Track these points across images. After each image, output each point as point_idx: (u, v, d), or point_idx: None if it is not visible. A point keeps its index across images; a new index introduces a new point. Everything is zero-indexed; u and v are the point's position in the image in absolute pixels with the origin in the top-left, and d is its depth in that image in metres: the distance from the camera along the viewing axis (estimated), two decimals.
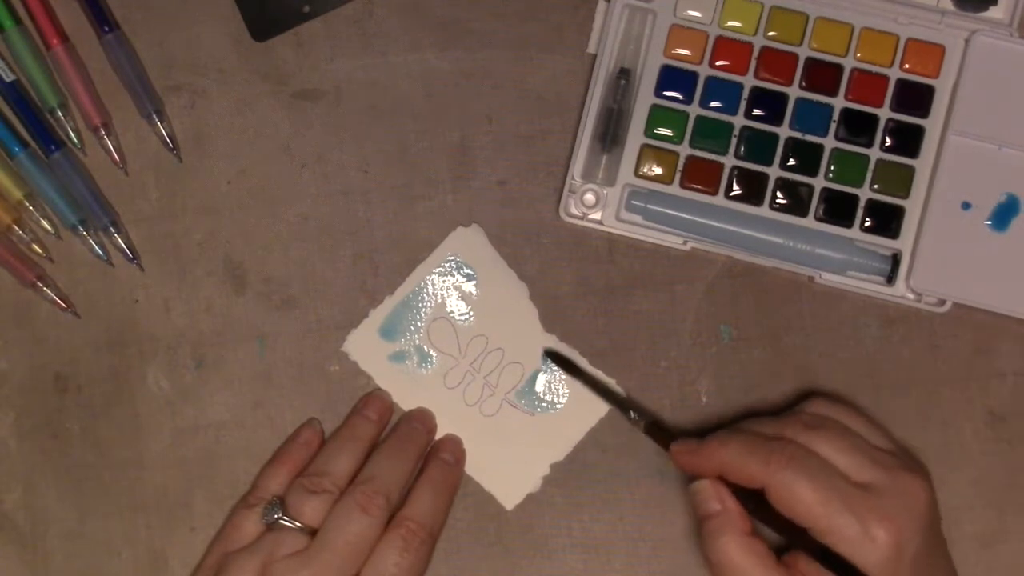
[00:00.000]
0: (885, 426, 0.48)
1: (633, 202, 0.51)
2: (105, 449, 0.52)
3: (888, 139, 0.52)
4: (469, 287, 0.53)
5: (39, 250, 0.52)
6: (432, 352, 0.52)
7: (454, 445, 0.51)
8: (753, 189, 0.52)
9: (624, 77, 0.52)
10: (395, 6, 0.54)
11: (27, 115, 0.52)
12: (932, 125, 0.52)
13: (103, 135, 0.52)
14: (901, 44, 0.52)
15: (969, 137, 0.51)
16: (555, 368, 0.52)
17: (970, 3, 0.51)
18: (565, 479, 0.52)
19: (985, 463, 0.52)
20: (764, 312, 0.52)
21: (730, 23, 0.52)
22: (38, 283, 0.52)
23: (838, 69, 0.52)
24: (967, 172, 0.51)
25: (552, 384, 0.52)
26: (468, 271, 0.53)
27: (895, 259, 0.51)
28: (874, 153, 0.52)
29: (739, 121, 0.52)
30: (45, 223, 0.52)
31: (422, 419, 0.52)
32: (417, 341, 0.52)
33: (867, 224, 0.51)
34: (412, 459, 0.50)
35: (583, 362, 0.52)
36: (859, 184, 0.52)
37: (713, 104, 0.52)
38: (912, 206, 0.52)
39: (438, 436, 0.52)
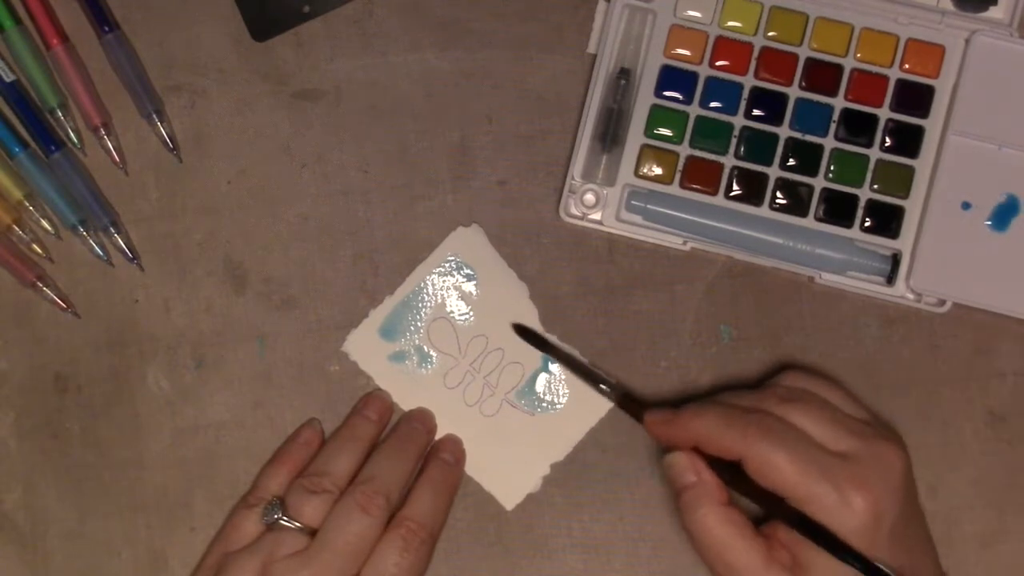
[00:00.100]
0: (849, 383, 0.49)
1: (633, 202, 0.51)
2: (105, 449, 0.52)
3: (888, 139, 0.52)
4: (469, 287, 0.53)
5: (39, 250, 0.52)
6: (432, 352, 0.52)
7: (454, 445, 0.52)
8: (753, 189, 0.52)
9: (624, 77, 0.52)
10: (395, 6, 0.54)
11: (27, 115, 0.52)
12: (932, 125, 0.52)
13: (103, 135, 0.52)
14: (901, 44, 0.52)
15: (969, 137, 0.51)
16: (554, 370, 0.52)
17: (970, 3, 0.51)
18: (565, 479, 0.52)
19: (985, 463, 0.52)
20: (764, 312, 0.52)
21: (730, 23, 0.52)
22: (38, 283, 0.52)
23: (838, 69, 0.52)
24: (967, 172, 0.51)
25: (552, 384, 0.52)
26: (468, 271, 0.53)
27: (895, 259, 0.51)
28: (874, 153, 0.52)
29: (739, 121, 0.52)
30: (45, 223, 0.52)
31: (422, 419, 0.52)
32: (417, 341, 0.52)
33: (867, 224, 0.51)
34: (412, 459, 0.50)
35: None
36: (859, 184, 0.52)
37: (713, 104, 0.52)
38: (912, 206, 0.52)
39: (438, 436, 0.52)
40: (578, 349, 0.52)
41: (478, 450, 0.52)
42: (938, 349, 0.52)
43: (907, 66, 0.52)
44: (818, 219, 0.52)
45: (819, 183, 0.52)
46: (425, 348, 0.52)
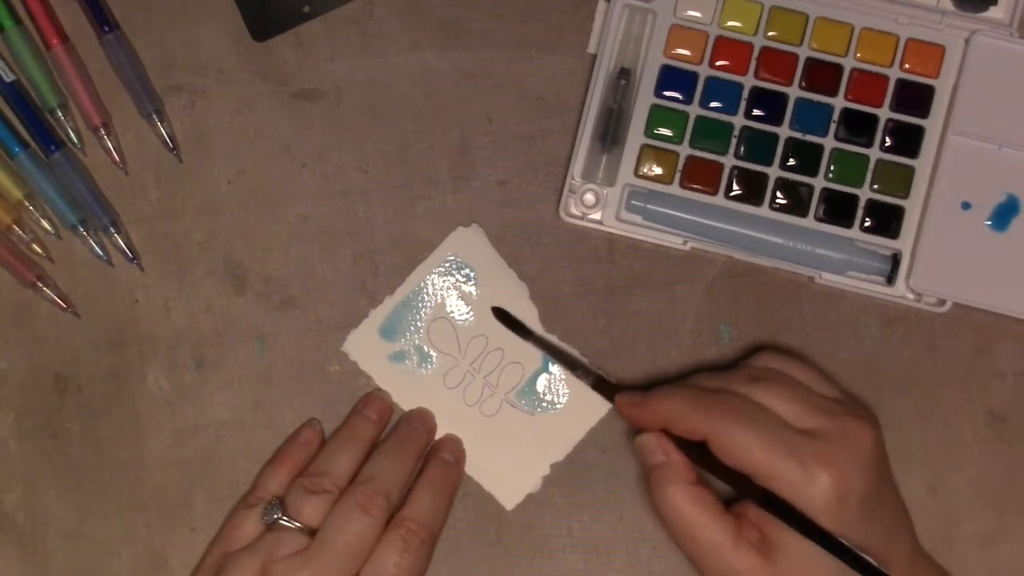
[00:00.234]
0: (833, 376, 0.49)
1: (633, 202, 0.51)
2: (105, 449, 0.52)
3: (888, 139, 0.52)
4: (469, 287, 0.53)
5: (39, 250, 0.52)
6: (432, 352, 0.52)
7: (454, 445, 0.51)
8: (753, 189, 0.52)
9: (624, 77, 0.52)
10: (395, 6, 0.54)
11: (27, 115, 0.52)
12: (932, 125, 0.52)
13: (103, 135, 0.52)
14: (901, 44, 0.52)
15: (969, 137, 0.51)
16: (554, 370, 0.52)
17: (970, 3, 0.51)
18: (565, 479, 0.52)
19: (985, 463, 0.52)
20: (764, 312, 0.52)
21: (730, 23, 0.52)
22: (38, 283, 0.52)
23: (838, 69, 0.52)
24: (967, 172, 0.51)
25: (552, 384, 0.52)
26: (468, 271, 0.53)
27: (895, 259, 0.51)
28: (874, 153, 0.52)
29: (739, 121, 0.52)
30: (45, 223, 0.52)
31: (422, 419, 0.52)
32: (417, 341, 0.52)
33: (867, 224, 0.51)
34: (412, 459, 0.50)
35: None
36: (859, 184, 0.52)
37: (713, 104, 0.52)
38: (912, 206, 0.52)
39: (438, 436, 0.52)
40: (578, 349, 0.52)
41: (478, 450, 0.52)
42: (938, 349, 0.52)
43: (907, 66, 0.52)
44: (818, 219, 0.52)
45: (819, 183, 0.52)
46: (425, 348, 0.52)
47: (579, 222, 0.52)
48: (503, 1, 0.53)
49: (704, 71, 0.52)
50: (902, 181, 0.52)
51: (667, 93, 0.52)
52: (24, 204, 0.52)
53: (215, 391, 0.52)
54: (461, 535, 0.52)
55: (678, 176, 0.52)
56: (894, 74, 0.52)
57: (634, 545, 0.52)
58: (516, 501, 0.52)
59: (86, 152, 0.53)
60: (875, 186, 0.52)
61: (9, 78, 0.52)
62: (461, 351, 0.52)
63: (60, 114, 0.52)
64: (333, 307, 0.53)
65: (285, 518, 0.46)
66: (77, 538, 0.52)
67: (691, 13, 0.52)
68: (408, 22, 0.54)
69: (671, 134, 0.52)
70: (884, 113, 0.52)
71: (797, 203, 0.52)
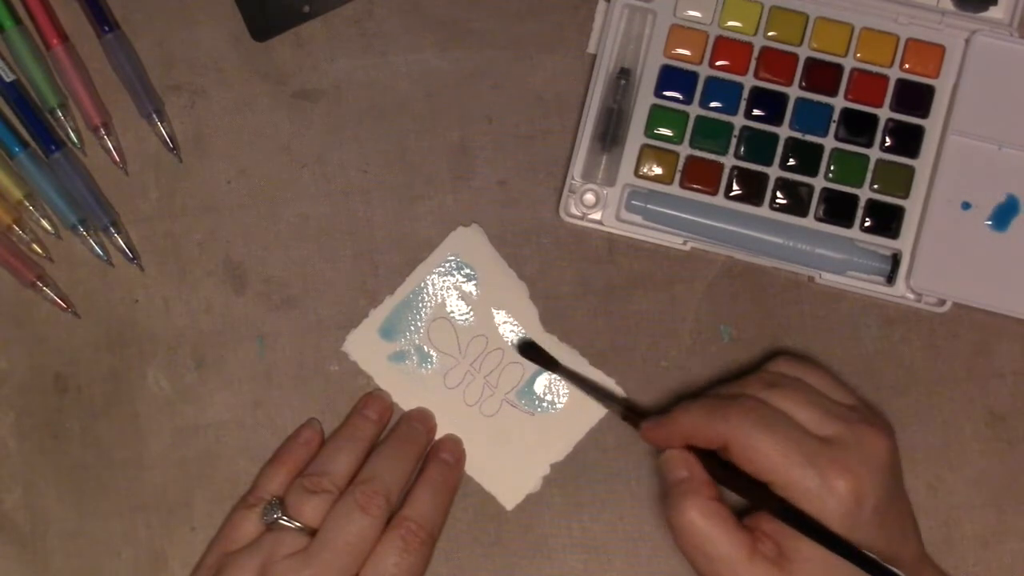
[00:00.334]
0: (848, 383, 0.49)
1: (633, 202, 0.51)
2: (105, 449, 0.52)
3: (888, 139, 0.52)
4: (469, 287, 0.53)
5: (39, 250, 0.52)
6: (432, 352, 0.52)
7: (454, 445, 0.51)
8: (753, 189, 0.52)
9: (624, 77, 0.52)
10: (395, 6, 0.54)
11: (27, 115, 0.52)
12: (932, 125, 0.52)
13: (103, 135, 0.52)
14: (901, 44, 0.52)
15: (969, 137, 0.51)
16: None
17: (970, 3, 0.51)
18: (565, 479, 0.52)
19: (985, 463, 0.52)
20: (764, 312, 0.52)
21: (730, 23, 0.52)
22: (38, 283, 0.52)
23: (838, 69, 0.52)
24: (967, 172, 0.51)
25: (552, 384, 0.52)
26: (468, 271, 0.53)
27: (895, 259, 0.51)
28: (874, 153, 0.52)
29: (739, 121, 0.52)
30: (45, 223, 0.52)
31: (422, 419, 0.52)
32: (417, 341, 0.52)
33: (867, 224, 0.51)
34: (412, 459, 0.50)
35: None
36: (859, 184, 0.52)
37: (713, 104, 0.52)
38: (912, 206, 0.52)
39: (438, 436, 0.52)
40: (578, 349, 0.52)
41: (478, 450, 0.52)
42: (938, 349, 0.52)
43: (907, 66, 0.52)
44: (818, 219, 0.52)
45: (819, 183, 0.52)
46: (425, 348, 0.52)
47: (579, 222, 0.52)
48: (503, 1, 0.53)
49: (704, 71, 0.52)
50: (902, 181, 0.52)
51: (667, 93, 0.52)
52: (24, 204, 0.52)
53: (215, 391, 0.52)
54: (461, 535, 0.52)
55: (678, 176, 0.52)
56: (894, 74, 0.52)
57: (634, 545, 0.52)
58: (516, 501, 0.52)
59: (86, 152, 0.53)
60: (875, 186, 0.52)
61: (9, 78, 0.52)
62: (461, 351, 0.52)
63: (60, 114, 0.52)
64: (333, 307, 0.53)
65: (285, 518, 0.46)
66: (77, 538, 0.52)
67: (691, 13, 0.52)
68: (408, 22, 0.54)
69: (671, 134, 0.52)
70: (884, 113, 0.52)
71: (797, 203, 0.52)
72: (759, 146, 0.52)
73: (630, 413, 0.49)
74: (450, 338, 0.52)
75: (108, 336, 0.53)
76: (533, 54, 0.53)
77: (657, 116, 0.52)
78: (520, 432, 0.52)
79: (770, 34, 0.52)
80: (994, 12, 0.51)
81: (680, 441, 0.46)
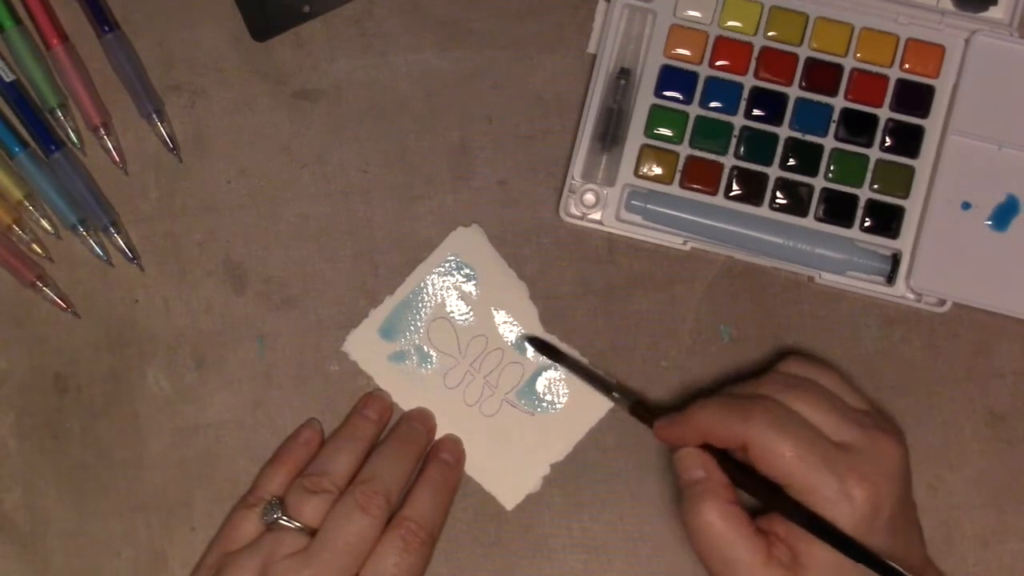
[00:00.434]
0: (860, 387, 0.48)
1: (633, 202, 0.51)
2: (105, 449, 0.52)
3: (888, 139, 0.52)
4: (469, 287, 0.53)
5: (39, 250, 0.52)
6: (432, 352, 0.52)
7: (454, 445, 0.51)
8: (753, 189, 0.52)
9: (624, 77, 0.52)
10: (395, 6, 0.54)
11: (27, 115, 0.52)
12: (932, 125, 0.52)
13: (103, 135, 0.52)
14: (901, 44, 0.52)
15: (969, 137, 0.51)
16: (555, 367, 0.52)
17: (970, 3, 0.51)
18: (565, 479, 0.52)
19: (985, 463, 0.52)
20: (764, 312, 0.52)
21: (730, 23, 0.52)
22: (38, 283, 0.52)
23: (838, 69, 0.52)
24: (967, 172, 0.51)
25: (552, 384, 0.52)
26: (468, 271, 0.53)
27: (895, 259, 0.51)
28: (874, 153, 0.52)
29: (739, 121, 0.52)
30: (45, 223, 0.52)
31: (422, 419, 0.52)
32: (417, 341, 0.52)
33: (867, 224, 0.51)
34: (412, 459, 0.50)
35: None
36: (859, 184, 0.52)
37: (713, 104, 0.52)
38: (912, 206, 0.52)
39: (438, 436, 0.52)
40: (578, 349, 0.52)
41: (478, 450, 0.52)
42: (938, 349, 0.52)
43: (907, 66, 0.52)
44: (818, 219, 0.52)
45: (819, 183, 0.52)
46: (425, 348, 0.52)
47: (579, 222, 0.52)
48: (503, 1, 0.53)
49: (704, 71, 0.52)
50: (902, 181, 0.52)
51: (667, 93, 0.52)
52: (24, 204, 0.52)
53: (215, 391, 0.52)
54: (461, 535, 0.52)
55: (678, 176, 0.52)
56: (894, 74, 0.52)
57: (634, 545, 0.52)
58: (516, 501, 0.52)
59: (86, 152, 0.53)
60: (875, 186, 0.52)
61: (9, 78, 0.52)
62: (461, 351, 0.52)
63: (60, 114, 0.52)
64: (333, 307, 0.53)
65: (285, 518, 0.46)
66: (77, 538, 0.52)
67: (691, 13, 0.52)
68: (408, 22, 0.54)
69: (671, 134, 0.52)
70: (884, 113, 0.52)
71: (797, 203, 0.52)
72: (759, 146, 0.52)
73: (638, 407, 0.48)
74: (450, 338, 0.52)
75: (108, 336, 0.53)
76: (533, 54, 0.53)
77: (657, 116, 0.52)
78: (520, 432, 0.52)
79: (770, 34, 0.52)
80: (994, 12, 0.51)
81: (696, 439, 0.45)
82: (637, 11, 0.52)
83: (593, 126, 0.52)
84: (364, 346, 0.52)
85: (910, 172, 0.52)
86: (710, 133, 0.52)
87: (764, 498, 0.44)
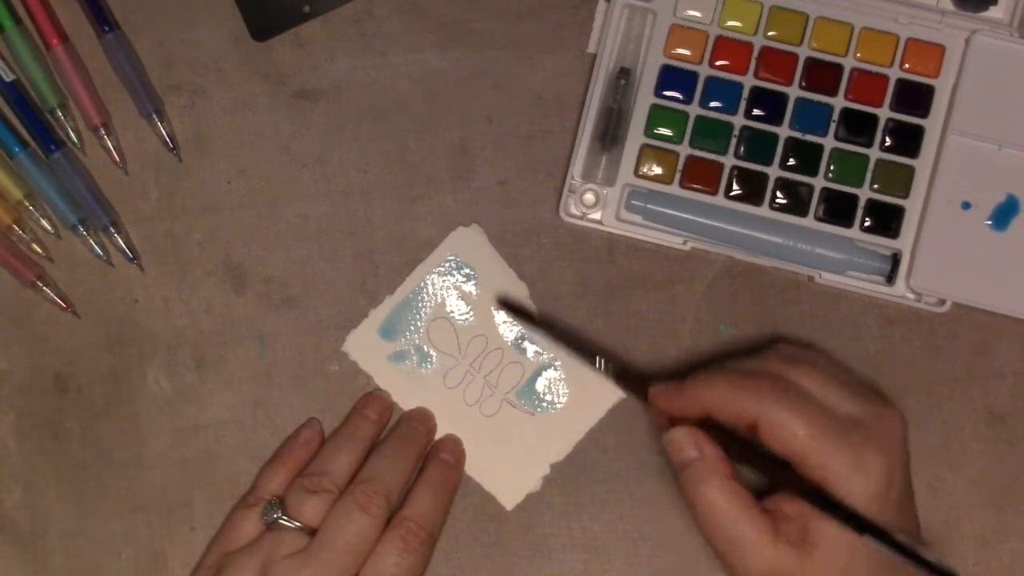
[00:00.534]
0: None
1: (633, 202, 0.51)
2: (105, 449, 0.52)
3: (888, 139, 0.52)
4: (469, 287, 0.53)
5: (39, 250, 0.52)
6: (432, 352, 0.52)
7: (454, 445, 0.51)
8: (753, 189, 0.52)
9: (624, 77, 0.52)
10: (395, 6, 0.54)
11: (27, 115, 0.52)
12: (932, 125, 0.52)
13: (103, 135, 0.52)
14: (901, 44, 0.52)
15: (969, 137, 0.51)
16: (555, 367, 0.52)
17: (970, 3, 0.51)
18: (565, 479, 0.52)
19: (985, 463, 0.52)
20: (764, 312, 0.52)
21: (730, 23, 0.52)
22: (38, 283, 0.52)
23: (838, 69, 0.52)
24: (967, 172, 0.51)
25: (552, 384, 0.52)
26: (468, 271, 0.53)
27: (895, 259, 0.51)
28: (874, 153, 0.52)
29: (739, 121, 0.52)
30: (45, 223, 0.52)
31: (422, 419, 0.52)
32: (417, 341, 0.52)
33: (867, 224, 0.51)
34: (412, 459, 0.50)
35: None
36: (859, 184, 0.52)
37: (713, 104, 0.52)
38: (912, 206, 0.52)
39: (438, 436, 0.52)
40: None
41: (478, 450, 0.52)
42: (938, 349, 0.52)
43: (907, 66, 0.52)
44: (818, 219, 0.52)
45: (819, 183, 0.52)
46: (425, 348, 0.52)
47: (579, 222, 0.52)
48: (503, 1, 0.53)
49: (704, 71, 0.52)
50: (902, 181, 0.52)
51: (667, 93, 0.52)
52: (24, 204, 0.52)
53: (215, 391, 0.52)
54: (461, 535, 0.52)
55: (678, 176, 0.52)
56: (894, 74, 0.52)
57: (634, 545, 0.52)
58: (516, 501, 0.52)
59: (86, 152, 0.53)
60: (875, 186, 0.52)
61: (9, 78, 0.52)
62: (461, 351, 0.52)
63: (60, 114, 0.52)
64: (333, 307, 0.53)
65: (285, 518, 0.46)
66: (77, 538, 0.52)
67: (691, 13, 0.52)
68: (408, 22, 0.54)
69: (671, 134, 0.52)
70: (884, 113, 0.52)
71: (797, 203, 0.52)
72: (759, 146, 0.52)
73: (624, 374, 0.47)
74: (450, 338, 0.52)
75: (108, 336, 0.53)
76: (533, 54, 0.53)
77: (657, 116, 0.52)
78: (520, 432, 0.52)
79: (770, 34, 0.52)
80: (994, 12, 0.51)
81: (698, 413, 0.45)
82: (637, 11, 0.52)
83: (593, 126, 0.52)
84: (364, 346, 0.52)
85: (910, 172, 0.52)
86: (710, 133, 0.52)
87: (772, 475, 0.43)
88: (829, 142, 0.52)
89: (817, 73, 0.52)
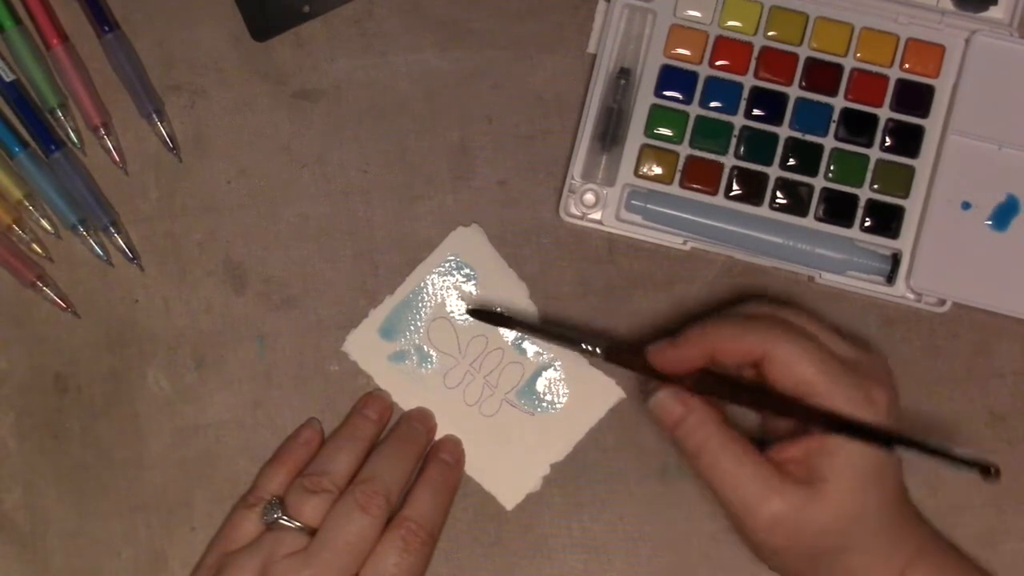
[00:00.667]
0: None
1: (633, 202, 0.51)
2: (105, 449, 0.52)
3: (888, 139, 0.52)
4: (469, 287, 0.53)
5: (39, 250, 0.52)
6: (432, 352, 0.52)
7: (454, 445, 0.51)
8: (753, 189, 0.52)
9: (624, 77, 0.52)
10: (395, 6, 0.54)
11: (27, 115, 0.52)
12: (932, 125, 0.52)
13: (103, 135, 0.52)
14: (901, 44, 0.52)
15: (969, 137, 0.51)
16: (555, 367, 0.52)
17: (970, 3, 0.51)
18: (565, 479, 0.52)
19: None
20: None
21: (730, 23, 0.52)
22: (38, 283, 0.52)
23: (838, 69, 0.52)
24: (967, 172, 0.51)
25: (552, 384, 0.52)
26: (468, 271, 0.53)
27: (895, 259, 0.51)
28: (874, 153, 0.52)
29: (739, 121, 0.52)
30: (45, 223, 0.52)
31: (422, 419, 0.52)
32: (417, 341, 0.52)
33: (867, 224, 0.51)
34: (412, 459, 0.50)
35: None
36: (859, 184, 0.52)
37: (713, 104, 0.52)
38: (912, 206, 0.52)
39: (438, 436, 0.52)
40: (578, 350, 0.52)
41: (478, 450, 0.52)
42: (938, 349, 0.52)
43: (907, 66, 0.52)
44: (818, 219, 0.52)
45: (819, 183, 0.52)
46: (425, 348, 0.52)
47: (579, 222, 0.52)
48: (503, 1, 0.53)
49: (704, 71, 0.52)
50: (902, 181, 0.52)
51: (667, 93, 0.52)
52: (24, 204, 0.52)
53: (215, 391, 0.52)
54: (461, 535, 0.52)
55: (678, 176, 0.52)
56: (894, 74, 0.52)
57: (634, 545, 0.52)
58: (516, 501, 0.52)
59: (86, 152, 0.53)
60: (875, 186, 0.52)
61: (9, 78, 0.52)
62: (461, 351, 0.52)
63: (60, 114, 0.52)
64: (333, 307, 0.53)
65: (285, 518, 0.46)
66: (77, 538, 0.52)
67: (691, 13, 0.52)
68: (408, 22, 0.54)
69: (671, 134, 0.52)
70: (884, 113, 0.52)
71: (797, 203, 0.52)
72: (759, 146, 0.52)
73: (614, 350, 0.47)
74: (450, 338, 0.52)
75: (108, 336, 0.53)
76: (533, 54, 0.53)
77: (657, 116, 0.52)
78: (520, 432, 0.52)
79: (770, 34, 0.52)
80: (994, 12, 0.51)
81: (700, 360, 0.45)
82: (637, 11, 0.52)
83: (593, 126, 0.52)
84: (364, 346, 0.52)
85: (910, 172, 0.52)
86: (710, 133, 0.52)
87: (782, 410, 0.44)
88: (829, 142, 0.52)
89: (817, 73, 0.52)
